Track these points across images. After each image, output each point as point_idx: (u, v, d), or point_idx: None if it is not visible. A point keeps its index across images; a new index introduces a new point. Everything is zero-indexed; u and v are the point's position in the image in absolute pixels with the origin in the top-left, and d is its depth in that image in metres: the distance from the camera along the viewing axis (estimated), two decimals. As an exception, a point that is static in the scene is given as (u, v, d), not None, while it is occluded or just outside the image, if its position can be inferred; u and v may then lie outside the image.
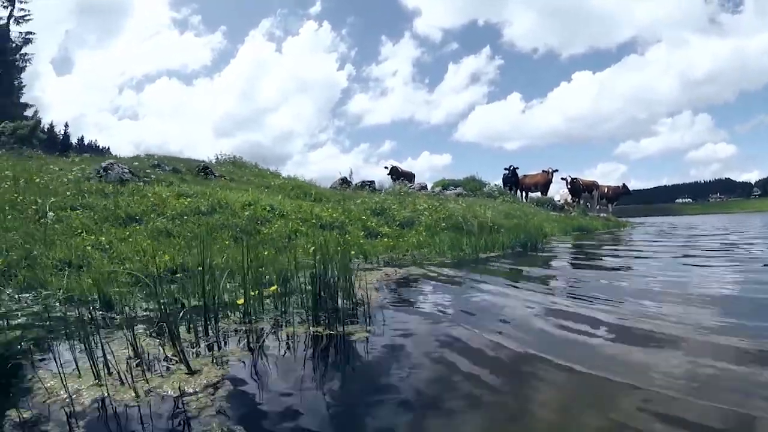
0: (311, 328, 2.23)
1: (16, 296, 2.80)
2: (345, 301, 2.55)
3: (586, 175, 19.97)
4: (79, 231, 4.17)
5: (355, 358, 1.88)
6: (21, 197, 4.87)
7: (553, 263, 5.96)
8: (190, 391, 1.47)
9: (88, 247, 3.72)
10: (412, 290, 3.61)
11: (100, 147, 25.25)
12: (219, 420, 1.28)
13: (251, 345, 1.97)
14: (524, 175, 17.38)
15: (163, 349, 1.81)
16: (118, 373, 1.54)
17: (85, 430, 1.26)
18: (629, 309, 2.58)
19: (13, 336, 2.08)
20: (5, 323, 2.24)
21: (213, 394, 1.45)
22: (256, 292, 2.47)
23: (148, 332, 2.08)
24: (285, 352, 1.91)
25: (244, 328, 2.18)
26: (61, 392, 1.44)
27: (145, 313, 2.57)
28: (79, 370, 1.59)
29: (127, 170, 8.39)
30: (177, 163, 9.45)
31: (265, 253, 3.68)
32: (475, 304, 2.95)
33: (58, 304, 2.58)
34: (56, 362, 1.55)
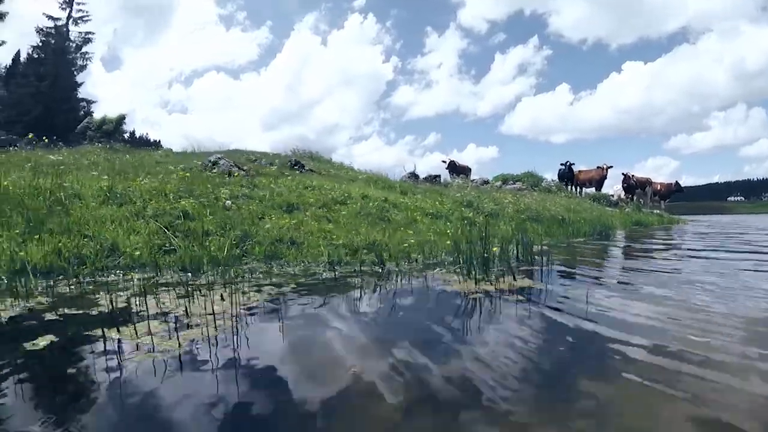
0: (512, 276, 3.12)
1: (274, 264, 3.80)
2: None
3: (636, 170, 20.25)
4: (260, 216, 5.18)
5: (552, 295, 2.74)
6: (191, 187, 5.91)
7: (646, 239, 7.58)
8: (509, 287, 2.36)
9: (286, 229, 4.71)
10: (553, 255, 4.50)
11: (152, 140, 26.81)
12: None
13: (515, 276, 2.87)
14: (579, 171, 17.91)
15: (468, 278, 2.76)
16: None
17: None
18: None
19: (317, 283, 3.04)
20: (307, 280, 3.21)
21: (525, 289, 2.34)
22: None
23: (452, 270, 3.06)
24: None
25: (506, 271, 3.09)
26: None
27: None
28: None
29: (232, 164, 9.50)
30: (271, 158, 10.52)
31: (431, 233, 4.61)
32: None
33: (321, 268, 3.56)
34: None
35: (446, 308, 2.40)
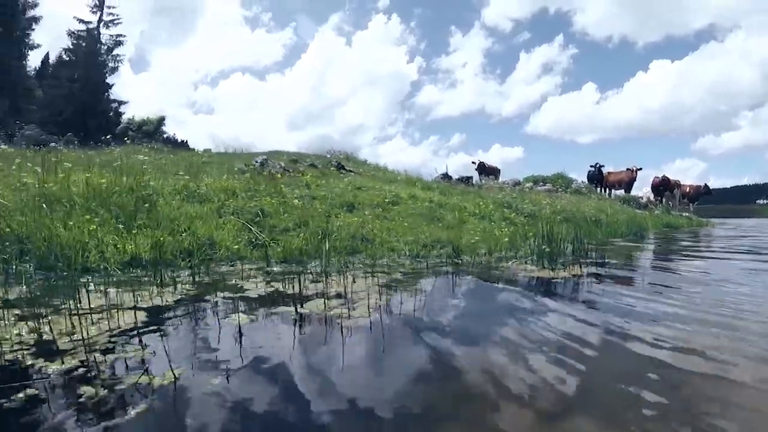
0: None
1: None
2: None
3: (664, 172, 20.20)
4: (327, 214, 5.55)
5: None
6: (256, 187, 6.31)
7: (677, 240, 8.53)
8: (579, 273, 2.70)
9: (354, 227, 5.08)
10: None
11: (179, 140, 27.56)
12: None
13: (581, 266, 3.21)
14: (609, 173, 18.00)
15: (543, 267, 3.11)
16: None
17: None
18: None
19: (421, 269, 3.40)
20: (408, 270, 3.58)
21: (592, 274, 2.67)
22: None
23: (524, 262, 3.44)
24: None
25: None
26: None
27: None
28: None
29: (278, 165, 9.94)
30: (313, 159, 10.94)
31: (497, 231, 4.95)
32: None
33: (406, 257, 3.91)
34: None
35: (553, 286, 2.90)
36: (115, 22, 27.72)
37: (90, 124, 24.72)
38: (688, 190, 21.40)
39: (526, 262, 4.05)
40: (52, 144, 14.78)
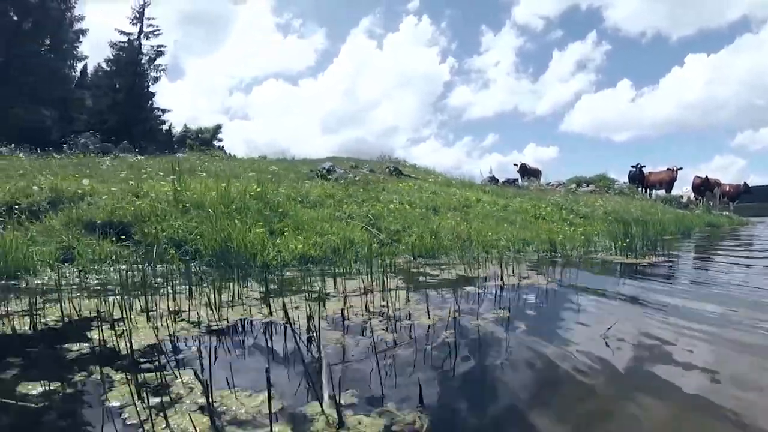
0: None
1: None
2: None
3: (702, 170, 20.57)
4: (420, 217, 6.46)
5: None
6: (348, 192, 7.25)
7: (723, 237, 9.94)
8: (656, 261, 3.54)
9: (449, 227, 5.97)
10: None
11: (217, 146, 28.97)
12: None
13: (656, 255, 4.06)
14: (650, 173, 18.53)
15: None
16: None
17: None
18: None
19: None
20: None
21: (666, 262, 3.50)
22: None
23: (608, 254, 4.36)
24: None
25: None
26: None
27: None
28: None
29: (343, 171, 10.93)
30: (373, 165, 11.92)
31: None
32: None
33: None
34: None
35: (646, 270, 3.81)
36: (155, 33, 29.33)
37: (135, 132, 26.32)
38: (728, 189, 21.67)
39: (611, 254, 4.97)
40: (112, 153, 16.16)
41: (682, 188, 19.50)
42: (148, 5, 29.81)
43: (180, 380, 1.40)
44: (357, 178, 8.86)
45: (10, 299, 2.62)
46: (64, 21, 29.04)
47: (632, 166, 18.23)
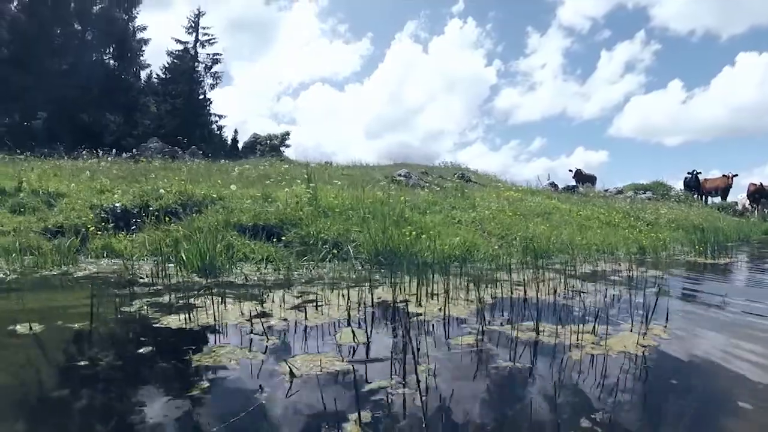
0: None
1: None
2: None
3: (756, 176, 20.77)
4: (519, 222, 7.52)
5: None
6: (435, 198, 8.35)
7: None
8: (730, 260, 4.53)
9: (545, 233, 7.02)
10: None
11: (282, 152, 30.76)
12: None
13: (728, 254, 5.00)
14: (705, 179, 18.96)
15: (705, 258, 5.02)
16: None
17: None
18: None
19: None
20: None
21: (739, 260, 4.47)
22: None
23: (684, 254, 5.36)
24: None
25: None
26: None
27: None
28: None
29: (417, 178, 12.10)
30: (440, 171, 13.06)
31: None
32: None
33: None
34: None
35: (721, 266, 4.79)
36: (211, 41, 31.36)
37: (195, 136, 28.30)
38: (784, 196, 21.74)
39: (692, 255, 6.05)
40: (184, 158, 17.84)
41: (737, 195, 19.80)
42: (204, 15, 31.92)
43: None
44: (453, 186, 9.96)
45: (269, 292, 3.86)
46: (128, 30, 31.46)
47: (688, 173, 18.72)
